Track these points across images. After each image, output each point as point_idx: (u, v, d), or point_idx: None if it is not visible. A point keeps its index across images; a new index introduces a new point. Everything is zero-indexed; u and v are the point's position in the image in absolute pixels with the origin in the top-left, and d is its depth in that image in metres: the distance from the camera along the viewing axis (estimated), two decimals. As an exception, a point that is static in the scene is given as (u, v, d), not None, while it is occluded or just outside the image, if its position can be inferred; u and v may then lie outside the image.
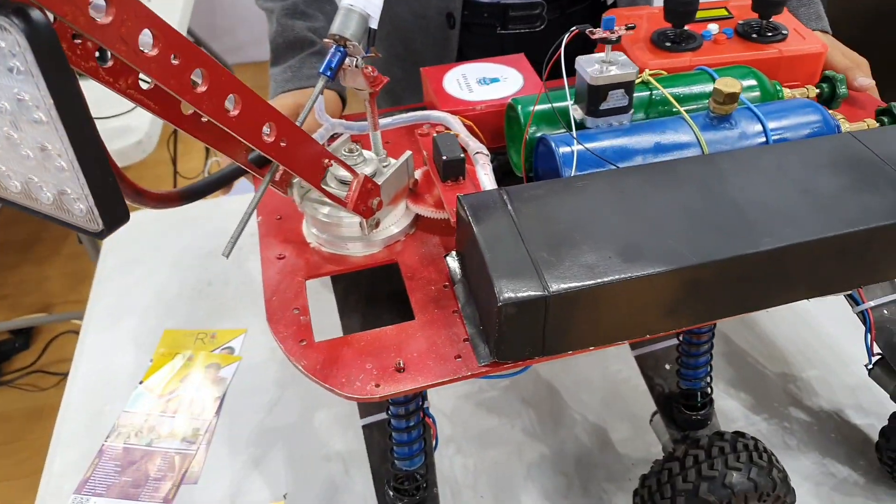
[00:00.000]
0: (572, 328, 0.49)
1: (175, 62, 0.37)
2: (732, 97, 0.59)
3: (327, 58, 0.54)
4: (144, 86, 0.43)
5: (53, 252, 2.27)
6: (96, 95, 1.42)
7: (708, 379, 0.62)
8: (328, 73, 0.54)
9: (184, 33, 1.76)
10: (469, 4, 0.91)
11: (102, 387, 0.84)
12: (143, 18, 0.35)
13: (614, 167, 0.58)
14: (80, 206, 0.35)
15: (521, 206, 0.53)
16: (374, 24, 0.55)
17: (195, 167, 2.32)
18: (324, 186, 0.54)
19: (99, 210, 0.34)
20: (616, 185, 0.54)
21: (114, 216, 0.36)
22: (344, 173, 0.58)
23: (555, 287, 0.47)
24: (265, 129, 0.45)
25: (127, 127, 1.33)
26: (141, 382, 0.84)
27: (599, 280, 0.47)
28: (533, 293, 0.46)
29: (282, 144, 0.47)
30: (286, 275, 0.60)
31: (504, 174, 0.72)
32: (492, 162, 0.74)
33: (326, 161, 0.52)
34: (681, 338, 0.62)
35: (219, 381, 0.84)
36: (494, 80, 0.74)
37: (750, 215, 0.52)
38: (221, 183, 0.65)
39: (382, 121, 0.67)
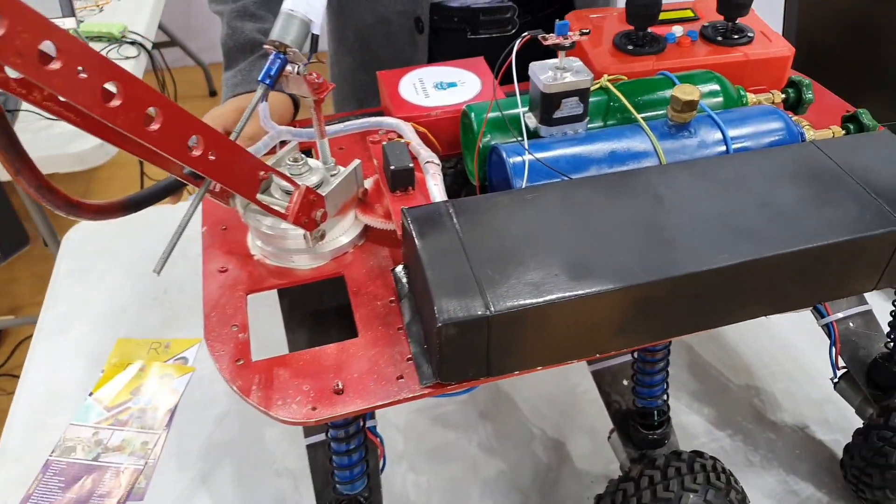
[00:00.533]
0: (518, 348, 0.47)
1: (83, 76, 0.35)
2: (690, 105, 0.57)
3: (266, 65, 0.52)
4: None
5: (22, 253, 2.22)
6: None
7: (665, 397, 0.61)
8: (267, 81, 0.52)
9: (153, 30, 1.73)
10: (438, 9, 0.89)
11: (51, 398, 0.81)
12: (41, 28, 0.32)
13: (566, 178, 0.56)
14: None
15: (467, 220, 0.50)
16: (316, 30, 0.53)
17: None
18: (264, 198, 0.52)
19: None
20: (567, 198, 0.52)
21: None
22: (285, 184, 0.56)
23: (497, 306, 0.45)
24: (191, 142, 0.42)
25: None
26: (91, 394, 0.81)
27: (544, 299, 0.45)
28: (474, 313, 0.44)
29: (210, 158, 0.44)
30: (227, 289, 0.57)
31: (465, 181, 0.69)
32: (451, 168, 0.72)
33: (262, 173, 0.50)
34: (635, 355, 0.61)
35: (172, 392, 0.81)
36: (452, 84, 0.72)
37: (705, 229, 0.50)
38: (168, 192, 0.62)
39: (332, 127, 0.65)
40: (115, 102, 0.37)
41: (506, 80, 0.80)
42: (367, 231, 0.61)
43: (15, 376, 1.86)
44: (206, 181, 0.49)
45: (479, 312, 0.44)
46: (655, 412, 0.60)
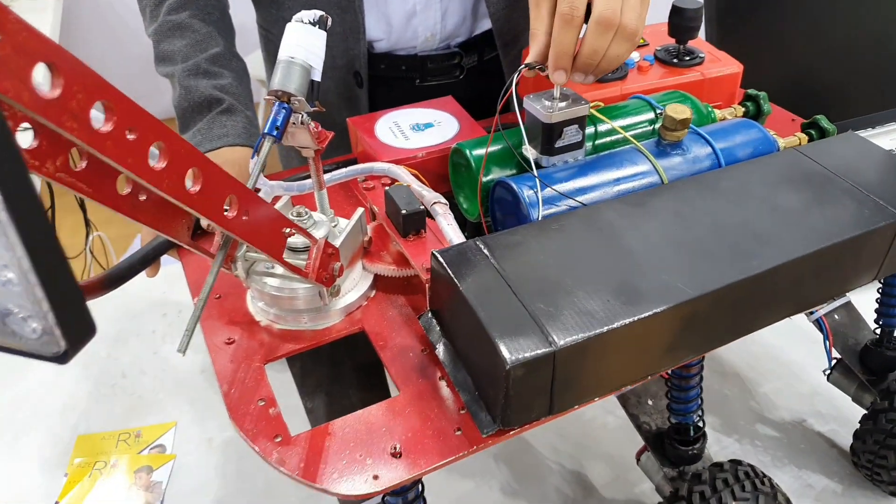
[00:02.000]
0: (579, 381, 0.46)
1: (131, 137, 0.31)
2: (685, 123, 0.58)
3: (271, 116, 0.49)
4: (76, 166, 0.36)
5: None
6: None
7: (700, 412, 0.61)
8: (274, 133, 0.49)
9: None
10: (385, 58, 0.88)
11: (11, 515, 0.72)
12: (95, 88, 0.29)
13: (581, 205, 0.56)
14: (34, 325, 0.28)
15: (503, 256, 0.49)
16: (317, 77, 0.51)
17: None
18: (254, 275, 0.48)
19: (62, 327, 0.27)
20: (592, 224, 0.52)
21: (80, 330, 0.29)
22: (295, 240, 0.52)
23: (562, 340, 0.43)
24: (226, 203, 0.39)
25: None
26: (57, 503, 0.73)
27: (606, 327, 0.44)
28: (540, 350, 0.43)
29: (244, 218, 0.41)
30: (241, 361, 0.53)
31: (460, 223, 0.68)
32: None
33: (287, 230, 0.46)
34: (669, 372, 0.61)
35: (153, 486, 0.74)
36: (428, 125, 0.71)
37: (730, 240, 0.51)
38: (147, 261, 0.58)
39: (329, 175, 0.62)
40: (161, 164, 0.33)
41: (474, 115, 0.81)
42: (376, 281, 0.59)
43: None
44: (222, 246, 0.45)
45: (545, 349, 0.43)
46: (692, 427, 0.60)
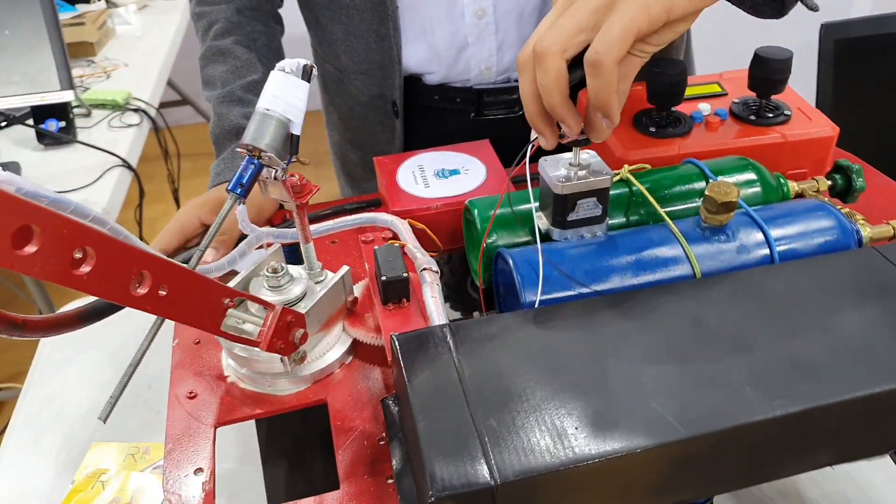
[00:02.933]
0: (530, 519, 0.39)
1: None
2: (728, 206, 0.49)
3: (238, 172, 0.45)
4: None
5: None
6: (55, 168, 1.33)
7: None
8: (238, 191, 0.45)
9: (158, 96, 1.70)
10: (438, 89, 0.83)
11: (15, 514, 0.74)
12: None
13: (585, 291, 0.48)
14: None
15: (469, 351, 0.43)
16: (296, 130, 0.46)
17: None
18: (231, 326, 0.44)
19: None
20: (586, 323, 0.44)
21: None
22: (265, 298, 0.48)
23: (506, 472, 0.36)
24: (136, 280, 0.35)
25: (84, 203, 1.23)
26: (58, 511, 0.73)
27: (564, 462, 0.37)
28: (477, 482, 0.36)
29: (161, 294, 0.37)
30: (194, 419, 0.49)
31: (466, 270, 0.62)
32: (446, 264, 0.65)
33: (228, 301, 0.42)
34: None
35: (148, 509, 0.73)
36: (454, 172, 0.65)
37: (755, 365, 0.41)
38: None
39: (321, 226, 0.58)
40: (30, 249, 0.29)
41: (509, 162, 0.74)
42: (356, 346, 0.54)
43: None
44: (155, 321, 0.42)
45: (483, 481, 0.36)
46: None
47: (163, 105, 1.80)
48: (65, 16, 1.80)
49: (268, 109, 0.45)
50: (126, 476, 0.76)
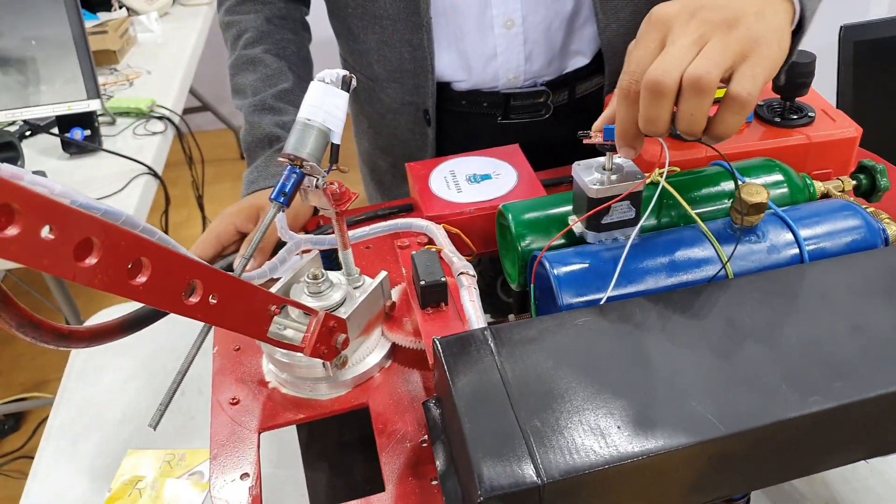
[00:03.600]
0: (574, 517, 0.40)
1: (49, 237, 0.29)
2: (758, 207, 0.50)
3: (280, 181, 0.46)
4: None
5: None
6: (81, 177, 1.34)
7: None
8: (281, 200, 0.46)
9: (181, 103, 1.72)
10: (466, 95, 0.84)
11: (55, 520, 0.75)
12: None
13: (621, 293, 0.49)
14: None
15: (511, 354, 0.44)
16: (336, 140, 0.47)
17: (195, 234, 2.26)
18: (276, 332, 0.45)
19: None
20: (623, 325, 0.45)
21: None
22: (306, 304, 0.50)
23: (552, 471, 0.37)
24: (188, 289, 0.37)
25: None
26: (98, 516, 0.75)
27: (608, 460, 0.38)
28: (524, 481, 0.37)
29: (212, 302, 0.38)
30: (237, 425, 0.51)
31: (499, 271, 0.63)
32: (477, 266, 0.66)
33: (273, 308, 0.43)
34: None
35: (184, 514, 0.74)
36: (486, 177, 0.66)
37: (790, 364, 0.42)
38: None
39: (357, 231, 0.59)
40: (91, 260, 0.31)
41: (544, 163, 0.75)
42: (395, 350, 0.55)
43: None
44: (202, 329, 0.43)
45: (530, 481, 0.37)
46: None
47: (189, 111, 1.82)
48: (86, 24, 1.83)
49: (309, 119, 0.46)
50: (162, 483, 0.78)
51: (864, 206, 0.56)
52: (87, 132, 1.36)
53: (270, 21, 0.80)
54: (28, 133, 1.42)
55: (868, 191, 0.63)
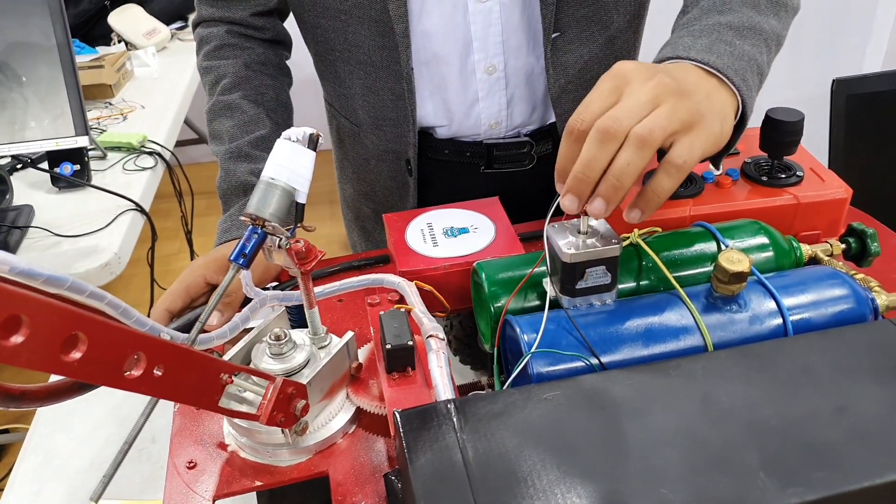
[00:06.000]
0: None
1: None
2: (740, 276, 0.48)
3: (241, 241, 0.45)
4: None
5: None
6: (69, 211, 1.33)
7: None
8: (240, 262, 0.44)
9: (174, 137, 1.72)
10: (449, 143, 0.83)
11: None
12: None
13: (595, 365, 0.47)
14: None
15: (474, 430, 0.41)
16: (301, 199, 0.46)
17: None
18: (228, 402, 0.43)
19: None
20: (595, 400, 0.43)
21: None
22: (266, 366, 0.48)
23: (508, 565, 0.35)
24: (128, 363, 0.35)
25: (95, 247, 1.24)
26: (57, 574, 0.72)
27: (568, 554, 0.35)
28: (478, 575, 0.35)
29: (157, 374, 0.36)
30: (192, 492, 0.48)
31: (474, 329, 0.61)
32: (449, 318, 0.64)
33: (226, 377, 0.41)
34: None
35: (146, 572, 0.71)
36: (463, 230, 0.65)
37: (767, 449, 0.40)
38: None
39: (326, 287, 0.57)
40: (16, 339, 0.29)
41: (527, 213, 0.73)
42: (360, 414, 0.53)
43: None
44: (150, 401, 0.41)
45: (484, 575, 0.35)
46: None
47: (180, 143, 1.81)
48: (84, 58, 1.83)
49: (273, 178, 0.45)
50: (128, 534, 0.75)
51: (852, 273, 0.54)
52: (77, 167, 1.35)
53: (249, 66, 0.79)
54: (18, 167, 1.42)
55: (858, 255, 0.61)
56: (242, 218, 0.45)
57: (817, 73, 0.79)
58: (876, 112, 0.84)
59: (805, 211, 0.63)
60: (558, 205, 0.50)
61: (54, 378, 0.39)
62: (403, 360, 0.50)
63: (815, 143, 0.76)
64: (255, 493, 0.56)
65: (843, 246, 0.60)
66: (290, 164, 0.45)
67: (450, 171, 0.86)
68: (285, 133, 0.46)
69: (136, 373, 0.35)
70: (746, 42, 0.57)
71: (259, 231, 0.45)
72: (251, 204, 0.44)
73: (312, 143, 0.46)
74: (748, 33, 0.58)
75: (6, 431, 1.93)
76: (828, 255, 0.58)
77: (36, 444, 0.86)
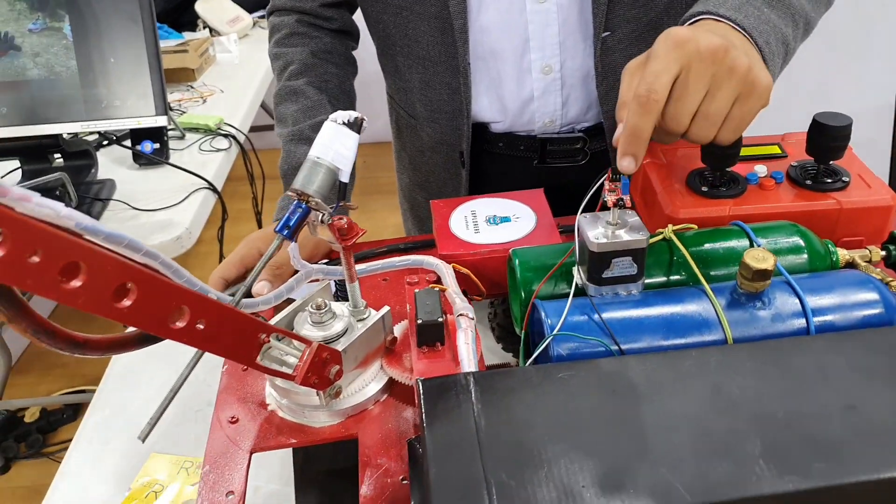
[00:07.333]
0: (532, 572, 0.40)
1: (34, 260, 0.31)
2: (763, 274, 0.49)
3: (286, 214, 0.48)
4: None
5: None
6: (147, 187, 1.42)
7: None
8: (285, 233, 0.48)
9: (249, 121, 1.80)
10: (504, 137, 0.85)
11: (77, 514, 0.79)
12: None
13: (614, 351, 0.49)
14: None
15: (489, 402, 0.44)
16: (344, 178, 0.49)
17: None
18: (266, 361, 0.47)
19: None
20: (606, 382, 0.45)
21: None
22: (306, 333, 0.52)
23: (507, 525, 0.38)
24: (173, 314, 0.39)
25: (170, 221, 1.32)
26: (116, 514, 0.78)
27: (565, 520, 0.38)
28: (478, 532, 0.37)
29: (199, 327, 0.40)
30: (232, 444, 0.53)
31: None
32: (493, 306, 0.67)
33: (263, 336, 0.45)
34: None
35: (194, 521, 0.77)
36: (505, 219, 0.67)
37: (771, 438, 0.41)
38: None
39: (367, 266, 0.61)
40: (76, 283, 0.33)
41: (568, 209, 0.75)
42: (392, 384, 0.56)
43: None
44: (195, 353, 0.45)
45: (484, 532, 0.37)
46: None
47: (257, 129, 1.89)
48: (170, 43, 1.94)
49: (318, 158, 0.49)
50: (181, 488, 0.81)
51: (888, 280, 0.54)
52: (157, 145, 1.43)
53: (315, 55, 0.83)
54: (105, 143, 1.52)
55: (897, 263, 0.60)
56: (289, 193, 0.49)
57: (887, 82, 0.78)
58: (943, 121, 0.82)
59: (848, 216, 0.62)
60: (592, 196, 0.52)
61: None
62: (433, 335, 0.53)
63: (880, 153, 0.75)
64: (290, 449, 0.60)
65: (884, 253, 0.60)
66: (335, 145, 0.49)
67: (503, 163, 0.88)
68: (332, 116, 0.50)
69: (181, 324, 0.39)
70: (774, 12, 0.58)
71: (303, 206, 0.48)
72: (297, 180, 0.48)
73: (357, 126, 0.49)
74: (777, 4, 0.59)
75: (83, 391, 2.06)
76: (866, 262, 0.58)
77: (105, 400, 0.93)
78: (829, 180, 0.64)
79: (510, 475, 0.40)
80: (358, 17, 0.94)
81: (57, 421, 1.96)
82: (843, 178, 0.64)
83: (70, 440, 1.89)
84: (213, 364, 0.93)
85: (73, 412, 2.00)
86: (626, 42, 0.77)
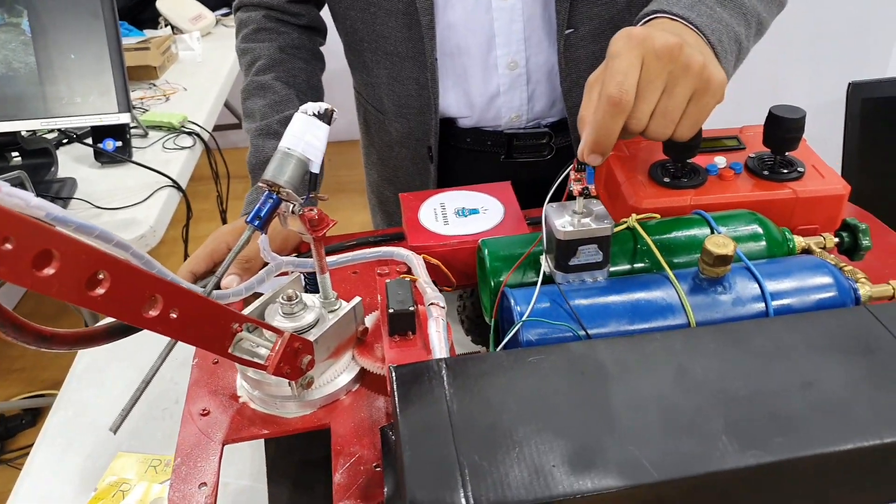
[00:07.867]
0: (505, 550, 0.40)
1: (7, 247, 0.31)
2: (724, 260, 0.51)
3: (256, 205, 0.49)
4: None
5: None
6: (109, 185, 1.40)
7: None
8: (255, 223, 0.48)
9: (213, 120, 1.78)
10: (471, 132, 0.86)
11: (43, 514, 0.78)
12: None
13: (582, 336, 0.50)
14: None
15: (461, 386, 0.45)
16: (314, 169, 0.49)
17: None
18: (238, 352, 0.47)
19: None
20: (575, 365, 0.46)
21: None
22: (277, 324, 0.52)
23: (481, 502, 0.38)
24: (146, 303, 0.39)
25: (133, 220, 1.30)
26: (82, 514, 0.77)
27: (537, 498, 0.39)
28: (453, 511, 0.38)
29: (172, 316, 0.40)
30: (204, 436, 0.53)
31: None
32: (462, 298, 0.68)
33: (236, 326, 0.45)
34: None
35: (162, 520, 0.76)
36: (473, 211, 0.68)
37: (733, 415, 0.43)
38: None
39: (339, 258, 0.61)
40: (49, 271, 0.33)
41: (534, 203, 0.77)
42: (363, 374, 0.56)
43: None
44: (168, 342, 0.45)
45: (458, 511, 0.38)
46: None
47: (220, 128, 1.88)
48: (132, 40, 1.91)
49: (289, 149, 0.49)
50: (148, 487, 0.80)
51: (841, 265, 0.57)
52: (119, 143, 1.41)
53: (283, 50, 0.83)
54: (65, 141, 1.49)
55: (850, 249, 0.63)
56: (260, 184, 0.49)
57: (839, 79, 0.81)
58: (891, 116, 0.85)
59: (803, 205, 0.65)
60: (559, 186, 0.53)
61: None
62: (405, 324, 0.53)
63: (834, 146, 0.77)
64: (261, 445, 0.60)
65: (837, 240, 0.62)
66: (306, 136, 0.49)
67: (470, 158, 0.89)
68: (302, 107, 0.50)
69: (154, 313, 0.39)
70: (726, 11, 0.60)
71: (274, 196, 0.49)
72: (268, 171, 0.48)
73: (327, 117, 0.50)
74: (729, 4, 0.61)
75: (41, 396, 2.02)
76: (820, 248, 0.60)
77: (68, 400, 0.92)
78: (786, 171, 0.66)
79: (482, 457, 0.41)
80: (325, 13, 0.94)
81: (15, 427, 1.91)
82: (799, 169, 0.66)
83: (30, 446, 1.85)
84: (179, 362, 0.92)
85: (33, 417, 1.95)
86: (588, 39, 0.79)
